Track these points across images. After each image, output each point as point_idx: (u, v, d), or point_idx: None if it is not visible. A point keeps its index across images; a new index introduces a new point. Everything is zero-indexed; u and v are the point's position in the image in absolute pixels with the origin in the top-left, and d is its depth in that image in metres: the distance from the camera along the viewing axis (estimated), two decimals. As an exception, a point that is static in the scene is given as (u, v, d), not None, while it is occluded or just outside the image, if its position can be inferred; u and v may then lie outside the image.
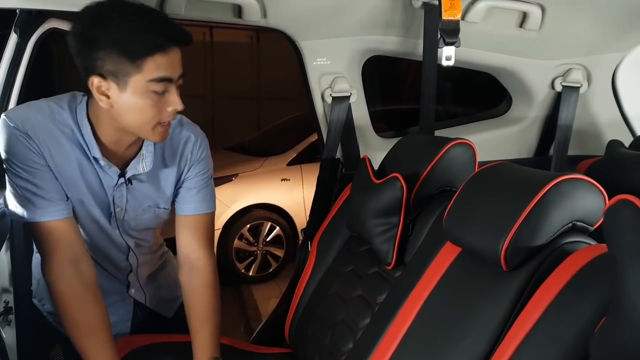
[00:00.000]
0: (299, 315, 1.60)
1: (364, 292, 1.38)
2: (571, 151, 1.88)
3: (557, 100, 1.87)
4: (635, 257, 0.66)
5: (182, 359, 1.31)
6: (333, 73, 1.69)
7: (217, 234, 4.01)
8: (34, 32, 1.59)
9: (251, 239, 4.15)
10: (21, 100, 1.58)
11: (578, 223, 0.96)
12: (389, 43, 1.69)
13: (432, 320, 1.07)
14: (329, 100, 1.71)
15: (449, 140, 1.32)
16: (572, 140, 1.87)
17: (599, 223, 0.98)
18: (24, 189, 1.11)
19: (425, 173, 1.31)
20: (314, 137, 4.43)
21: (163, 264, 1.56)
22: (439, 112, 1.91)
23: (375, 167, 1.49)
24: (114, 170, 1.19)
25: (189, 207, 1.31)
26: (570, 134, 1.83)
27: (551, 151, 1.97)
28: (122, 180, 1.21)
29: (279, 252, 4.25)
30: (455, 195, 1.14)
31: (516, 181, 1.03)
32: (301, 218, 4.24)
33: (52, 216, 1.13)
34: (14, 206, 1.13)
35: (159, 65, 1.03)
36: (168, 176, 1.29)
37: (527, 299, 0.92)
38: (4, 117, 1.10)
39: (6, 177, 1.12)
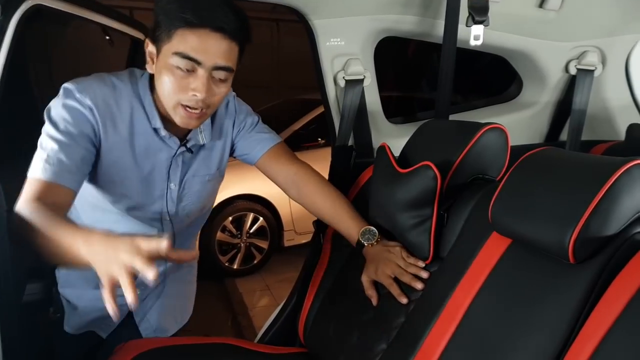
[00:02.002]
0: (314, 313, 1.50)
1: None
2: (583, 136, 1.83)
3: (570, 84, 1.82)
4: None
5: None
6: (347, 54, 1.59)
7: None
8: (18, 8, 1.44)
9: (234, 231, 4.04)
10: (1, 86, 1.43)
11: (648, 211, 0.89)
12: (407, 23, 1.59)
13: (487, 318, 0.99)
14: (341, 83, 1.61)
15: (482, 125, 1.24)
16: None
17: None
18: (57, 148, 1.07)
19: (458, 160, 1.23)
20: (297, 126, 4.34)
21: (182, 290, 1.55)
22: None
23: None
24: (174, 140, 1.22)
25: (257, 149, 1.38)
26: (584, 118, 1.79)
27: (562, 136, 1.93)
28: (182, 149, 1.24)
29: (263, 244, 4.16)
30: (502, 183, 1.06)
31: (577, 167, 0.95)
32: (285, 208, 4.15)
33: (63, 180, 1.06)
34: (33, 164, 1.07)
35: (186, 41, 1.03)
36: (218, 147, 1.33)
37: (600, 292, 0.85)
38: (70, 85, 1.11)
39: (42, 135, 1.09)
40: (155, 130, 1.19)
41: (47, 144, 1.08)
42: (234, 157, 1.41)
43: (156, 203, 1.27)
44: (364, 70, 1.61)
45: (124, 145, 1.17)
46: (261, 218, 4.10)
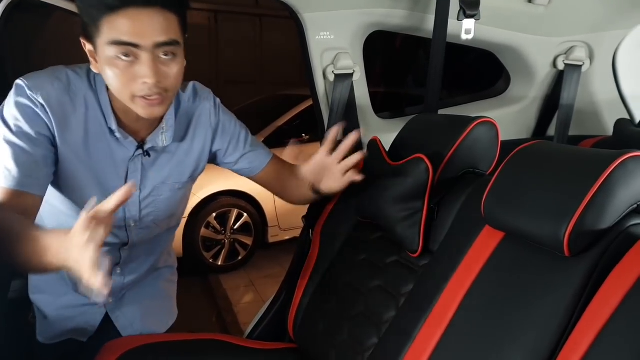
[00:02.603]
0: (303, 308, 1.49)
1: (384, 282, 1.28)
2: (570, 131, 1.84)
3: (558, 79, 1.83)
4: None
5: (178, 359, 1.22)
6: (336, 49, 1.58)
7: (182, 222, 3.80)
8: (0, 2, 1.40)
9: (218, 227, 4.00)
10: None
11: (642, 204, 0.90)
12: (396, 17, 1.58)
13: (480, 312, 0.99)
14: (330, 78, 1.59)
15: (473, 119, 1.24)
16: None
17: None
18: (13, 152, 1.01)
19: (450, 154, 1.22)
20: (280, 122, 4.31)
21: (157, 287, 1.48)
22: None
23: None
24: (131, 142, 1.13)
25: (252, 166, 1.34)
26: (572, 113, 1.79)
27: (550, 131, 1.94)
28: (139, 152, 1.15)
29: (247, 240, 4.13)
30: (495, 177, 1.06)
31: (571, 160, 0.95)
32: (270, 204, 4.12)
33: (27, 187, 1.02)
34: None
35: (115, 27, 0.93)
36: (189, 149, 1.24)
37: (595, 286, 0.85)
38: (21, 81, 1.04)
39: None
40: (111, 130, 1.11)
41: (3, 149, 1.01)
42: (217, 165, 1.36)
43: (118, 210, 1.20)
44: (354, 64, 1.60)
45: (78, 146, 1.09)
46: (245, 214, 4.07)
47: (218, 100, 1.29)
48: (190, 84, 1.25)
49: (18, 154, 1.01)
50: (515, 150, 1.06)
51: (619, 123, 1.56)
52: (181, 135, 1.21)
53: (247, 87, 5.92)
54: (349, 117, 1.65)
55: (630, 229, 0.88)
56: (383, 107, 2.01)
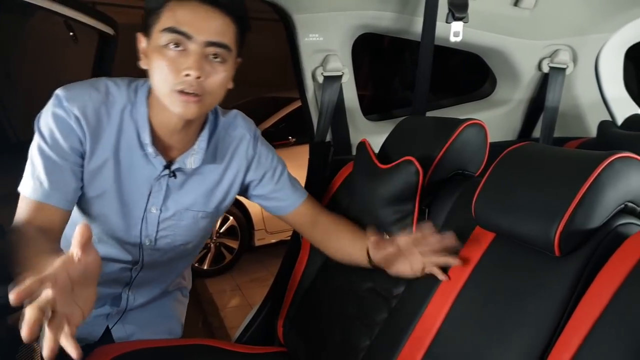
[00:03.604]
0: (293, 311, 1.49)
1: (376, 284, 1.28)
2: (555, 133, 1.87)
3: (543, 82, 1.86)
4: None
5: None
6: (325, 50, 1.58)
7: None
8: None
9: (204, 231, 3.96)
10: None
11: (629, 204, 0.91)
12: (385, 19, 1.59)
13: (473, 312, 1.00)
14: (319, 79, 1.60)
15: (461, 121, 1.25)
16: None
17: None
18: (45, 164, 1.03)
19: (439, 156, 1.23)
20: (266, 124, 4.30)
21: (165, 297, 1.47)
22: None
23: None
24: (159, 160, 1.11)
25: (283, 205, 1.31)
26: (556, 115, 1.82)
27: (535, 133, 1.96)
28: (165, 172, 1.13)
29: (233, 244, 4.11)
30: (485, 178, 1.07)
31: (561, 161, 0.96)
32: (256, 207, 4.08)
33: (55, 201, 1.03)
34: (24, 179, 1.05)
35: (175, 15, 0.96)
36: (220, 179, 1.22)
37: (585, 285, 0.86)
38: (60, 91, 1.05)
39: (33, 147, 1.05)
40: (142, 145, 1.10)
41: (37, 159, 1.03)
42: (247, 198, 1.34)
43: (135, 226, 1.18)
44: (342, 66, 1.61)
45: (107, 158, 1.09)
46: (231, 217, 4.04)
47: (259, 132, 1.28)
48: (234, 112, 1.25)
49: (50, 167, 1.03)
50: (505, 152, 1.07)
51: (602, 125, 1.59)
52: (214, 162, 1.19)
53: (231, 90, 5.85)
54: (337, 119, 1.66)
55: (619, 228, 0.89)
56: (372, 109, 2.02)
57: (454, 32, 1.43)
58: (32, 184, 1.02)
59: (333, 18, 1.54)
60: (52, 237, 1.02)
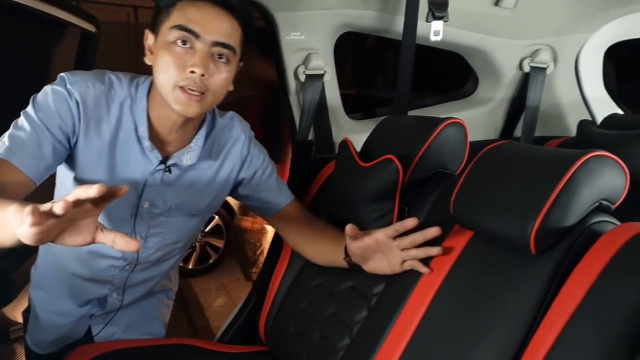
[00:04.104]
0: (275, 310, 1.48)
1: (355, 283, 1.28)
2: (536, 132, 1.88)
3: (524, 82, 1.87)
4: None
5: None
6: (307, 49, 1.58)
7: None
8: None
9: (189, 230, 3.94)
10: None
11: (604, 202, 0.92)
12: (367, 18, 1.59)
13: (450, 310, 1.00)
14: (302, 78, 1.59)
15: (442, 120, 1.25)
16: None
17: (620, 201, 0.95)
18: (29, 127, 1.02)
19: (419, 154, 1.23)
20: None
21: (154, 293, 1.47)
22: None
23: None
24: (155, 155, 1.12)
25: (268, 206, 1.34)
26: (537, 115, 1.83)
27: (517, 132, 1.97)
28: (161, 167, 1.14)
29: (219, 243, 4.08)
30: (463, 176, 1.07)
31: (537, 160, 0.97)
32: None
33: (24, 167, 1.00)
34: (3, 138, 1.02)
35: (184, 14, 0.99)
36: (214, 177, 1.23)
37: (560, 282, 0.87)
38: (64, 74, 1.07)
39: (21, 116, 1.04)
40: (139, 139, 1.11)
41: (20, 122, 1.03)
42: (235, 198, 1.35)
43: (125, 221, 1.19)
44: (324, 65, 1.61)
45: (102, 149, 1.10)
46: (216, 217, 4.02)
47: (252, 133, 1.30)
48: (230, 113, 1.27)
49: (28, 131, 1.01)
50: (483, 150, 1.08)
51: (582, 124, 1.60)
52: (209, 160, 1.21)
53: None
54: (320, 118, 1.66)
55: (593, 226, 0.90)
56: (358, 108, 2.02)
57: (434, 31, 1.44)
58: (7, 143, 1.00)
59: (314, 17, 1.54)
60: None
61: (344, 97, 1.79)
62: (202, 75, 0.99)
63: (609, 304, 0.78)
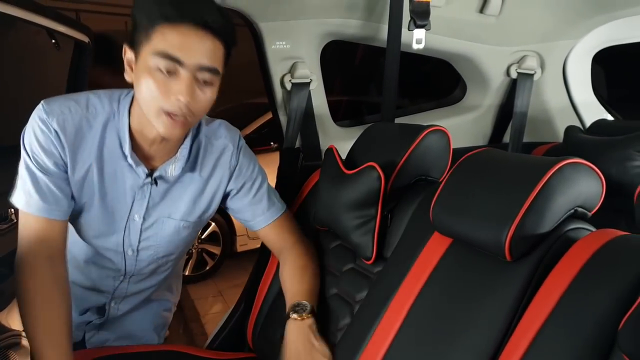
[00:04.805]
0: (263, 317, 1.49)
1: (340, 290, 1.29)
2: (525, 138, 1.89)
3: (512, 88, 1.88)
4: None
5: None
6: (293, 58, 1.59)
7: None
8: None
9: (186, 237, 3.94)
10: None
11: (579, 209, 0.93)
12: (351, 27, 1.61)
13: (428, 316, 1.01)
14: (288, 86, 1.60)
15: (424, 127, 1.26)
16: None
17: (597, 208, 0.95)
18: (32, 180, 1.08)
19: (402, 162, 1.24)
20: (248, 130, 4.30)
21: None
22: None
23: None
24: (142, 169, 1.13)
25: (258, 220, 1.32)
26: (525, 121, 1.84)
27: (505, 138, 1.98)
28: (147, 180, 1.15)
29: (215, 250, 4.10)
30: (442, 184, 1.08)
31: (513, 167, 0.98)
32: (238, 214, 4.09)
33: (48, 214, 1.08)
34: (16, 191, 1.10)
35: (165, 39, 0.95)
36: (203, 188, 1.23)
37: (535, 289, 0.87)
38: (41, 105, 1.07)
39: (21, 161, 1.09)
40: (125, 155, 1.11)
41: (24, 174, 1.08)
42: (224, 209, 1.35)
43: (117, 234, 1.20)
44: (310, 73, 1.62)
45: (90, 167, 1.11)
46: (213, 223, 4.03)
47: (243, 141, 1.28)
48: (218, 122, 1.26)
49: (36, 182, 1.07)
50: (462, 158, 1.09)
51: (569, 130, 1.61)
52: (196, 172, 1.21)
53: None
54: (307, 125, 1.67)
55: (568, 233, 0.91)
56: (350, 115, 2.03)
57: (417, 40, 1.45)
58: (24, 198, 1.07)
59: (299, 26, 1.55)
60: (55, 248, 1.09)
61: (337, 104, 1.80)
62: (189, 101, 0.98)
63: (580, 309, 0.79)
